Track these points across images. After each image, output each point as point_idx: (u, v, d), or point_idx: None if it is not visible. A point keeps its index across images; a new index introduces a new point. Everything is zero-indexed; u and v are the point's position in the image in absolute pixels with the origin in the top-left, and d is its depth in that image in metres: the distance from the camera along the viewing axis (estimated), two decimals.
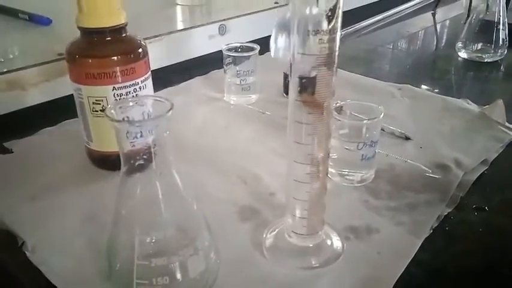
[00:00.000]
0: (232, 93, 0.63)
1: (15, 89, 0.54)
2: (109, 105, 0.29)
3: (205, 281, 0.31)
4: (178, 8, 0.86)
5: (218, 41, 0.73)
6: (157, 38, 0.67)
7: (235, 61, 0.61)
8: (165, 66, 0.68)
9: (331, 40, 0.28)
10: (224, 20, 0.76)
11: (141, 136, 0.29)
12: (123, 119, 0.29)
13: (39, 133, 0.55)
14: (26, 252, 0.36)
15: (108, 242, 0.31)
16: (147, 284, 0.29)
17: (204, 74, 0.72)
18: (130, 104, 0.29)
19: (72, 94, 0.46)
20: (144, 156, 0.29)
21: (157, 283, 0.29)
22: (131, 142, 0.29)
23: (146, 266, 0.29)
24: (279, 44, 0.44)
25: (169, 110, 0.27)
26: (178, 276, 0.30)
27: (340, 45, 0.29)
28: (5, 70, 0.54)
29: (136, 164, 0.29)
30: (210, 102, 0.64)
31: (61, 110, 0.55)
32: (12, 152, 0.51)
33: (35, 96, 0.56)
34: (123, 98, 0.43)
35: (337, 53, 0.30)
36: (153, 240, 0.30)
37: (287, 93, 0.65)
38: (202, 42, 0.74)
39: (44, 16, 0.72)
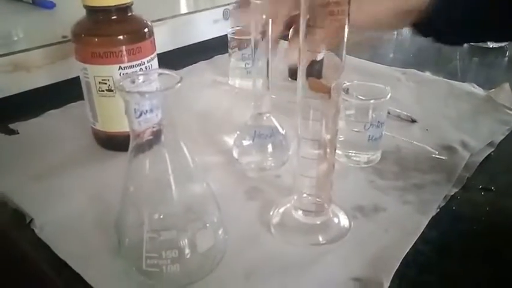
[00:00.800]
0: (237, 76, 0.63)
1: (20, 71, 0.54)
2: (119, 79, 0.28)
3: (213, 256, 0.31)
4: None
5: (222, 26, 0.73)
6: (160, 21, 0.66)
7: (240, 45, 0.61)
8: (169, 51, 0.68)
9: (342, 12, 0.28)
10: (228, 4, 0.75)
11: (150, 111, 0.29)
12: None
13: (44, 115, 0.55)
14: (35, 229, 0.36)
15: (118, 217, 0.31)
16: (156, 257, 0.29)
17: (208, 59, 0.71)
18: (140, 78, 0.29)
19: (76, 77, 0.46)
20: (154, 129, 0.29)
21: (166, 256, 0.29)
22: (140, 118, 0.29)
23: (155, 239, 0.29)
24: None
25: (178, 82, 0.27)
26: (187, 250, 0.30)
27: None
28: (10, 51, 0.53)
29: (145, 139, 0.29)
30: (214, 86, 0.63)
31: (65, 92, 0.56)
32: (18, 133, 0.51)
33: (40, 78, 0.56)
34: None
35: (347, 29, 0.29)
36: (162, 215, 0.30)
37: (291, 77, 0.65)
38: (206, 27, 0.73)
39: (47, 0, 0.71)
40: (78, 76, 0.46)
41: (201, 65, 0.70)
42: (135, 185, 0.30)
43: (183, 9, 0.76)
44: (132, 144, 0.30)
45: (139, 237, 0.30)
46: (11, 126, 0.52)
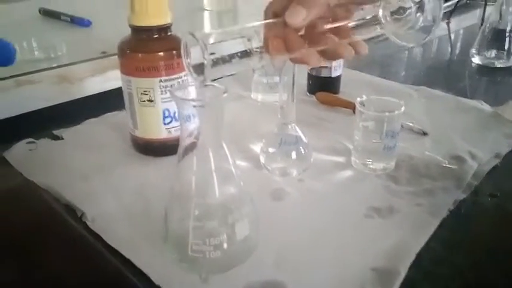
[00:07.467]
0: (259, 91, 0.68)
1: (64, 83, 0.59)
2: (174, 88, 0.33)
3: (248, 244, 0.36)
4: (206, 13, 0.91)
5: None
6: None
7: None
8: None
9: None
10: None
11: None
12: None
13: (85, 123, 0.60)
14: (87, 222, 0.41)
15: (166, 211, 0.36)
16: (200, 243, 0.33)
17: (232, 74, 0.76)
18: (190, 87, 0.34)
19: (112, 89, 0.51)
20: (201, 132, 0.33)
21: (209, 243, 0.33)
22: (189, 122, 0.33)
23: (200, 228, 0.33)
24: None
25: (225, 92, 0.32)
26: (227, 238, 0.34)
27: None
28: (57, 65, 0.59)
29: (192, 141, 0.34)
30: (238, 100, 0.68)
31: (103, 103, 0.61)
32: (63, 139, 0.56)
33: (81, 90, 0.61)
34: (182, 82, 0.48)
35: None
36: (206, 207, 0.34)
37: (310, 92, 0.69)
38: (231, 45, 0.78)
39: (84, 18, 0.77)
40: (115, 88, 0.51)
41: (226, 79, 0.75)
42: (182, 182, 0.35)
43: (208, 29, 0.81)
44: (181, 145, 0.34)
45: (185, 228, 0.34)
46: (55, 132, 0.57)
